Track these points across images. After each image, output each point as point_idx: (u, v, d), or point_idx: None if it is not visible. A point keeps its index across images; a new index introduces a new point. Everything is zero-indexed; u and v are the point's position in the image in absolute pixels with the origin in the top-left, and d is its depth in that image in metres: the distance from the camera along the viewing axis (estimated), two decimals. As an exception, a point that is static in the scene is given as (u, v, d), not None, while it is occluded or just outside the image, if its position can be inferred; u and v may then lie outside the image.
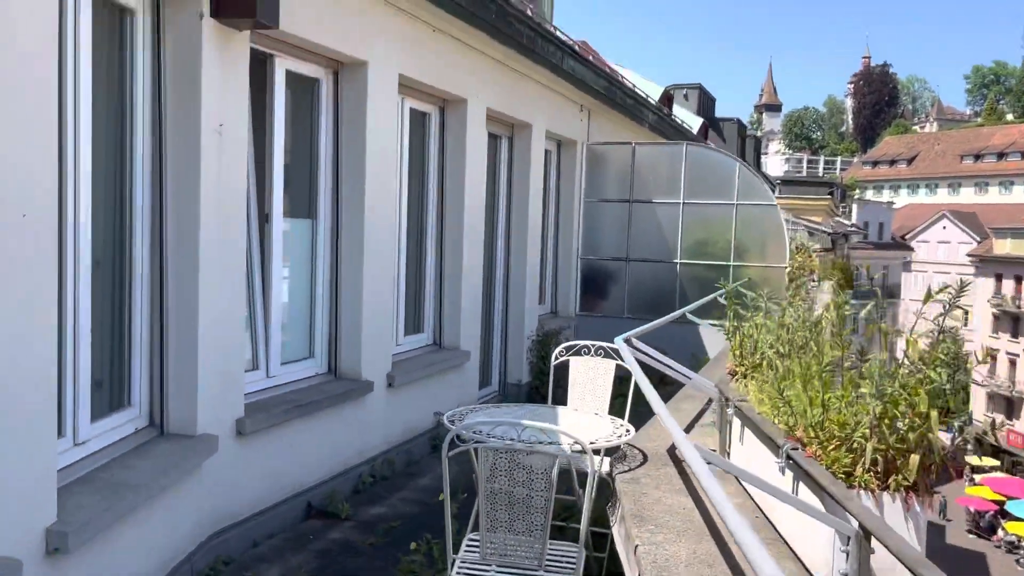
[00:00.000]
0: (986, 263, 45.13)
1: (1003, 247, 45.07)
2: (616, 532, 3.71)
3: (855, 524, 2.27)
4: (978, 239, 51.58)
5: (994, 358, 41.24)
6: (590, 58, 10.43)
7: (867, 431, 2.57)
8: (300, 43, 5.23)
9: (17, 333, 2.90)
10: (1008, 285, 43.66)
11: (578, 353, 5.18)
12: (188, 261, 4.19)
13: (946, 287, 2.73)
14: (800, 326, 3.74)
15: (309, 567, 4.57)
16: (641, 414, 5.05)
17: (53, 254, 3.13)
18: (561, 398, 5.48)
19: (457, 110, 7.26)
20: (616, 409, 5.51)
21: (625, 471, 3.91)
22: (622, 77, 12.90)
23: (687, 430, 4.84)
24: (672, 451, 4.32)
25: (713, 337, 9.36)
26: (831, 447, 2.69)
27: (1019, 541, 26.89)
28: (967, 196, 68.75)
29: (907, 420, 2.58)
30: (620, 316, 10.21)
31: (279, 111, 5.27)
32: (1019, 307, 42.81)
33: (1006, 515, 27.37)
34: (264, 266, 5.24)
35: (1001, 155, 68.01)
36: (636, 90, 12.51)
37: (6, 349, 2.85)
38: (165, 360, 4.21)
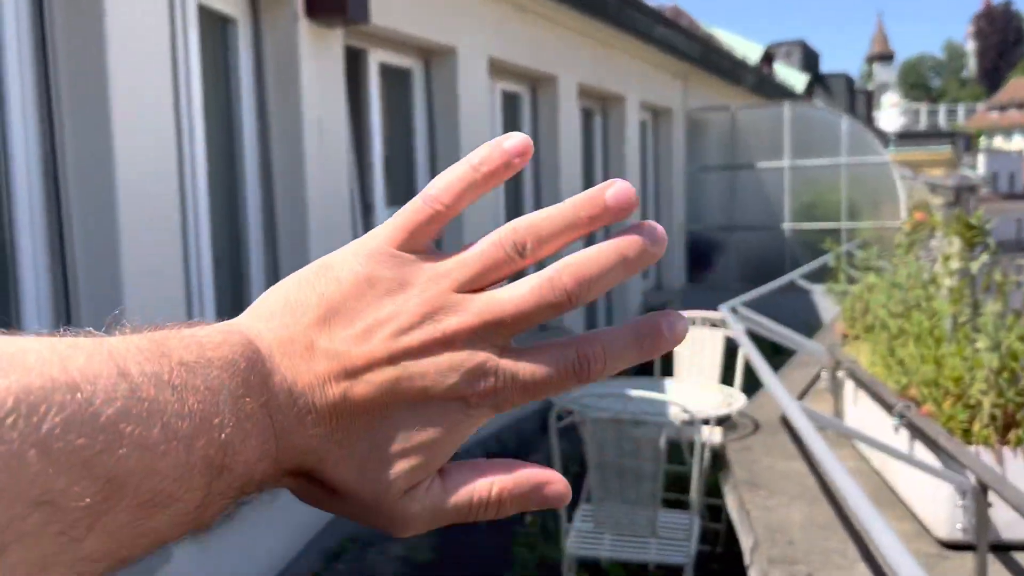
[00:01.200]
0: None
1: None
2: (729, 500, 3.69)
3: (972, 478, 2.20)
4: (1124, 182, 47.52)
5: None
6: (682, 23, 10.22)
7: (984, 386, 2.47)
8: (391, 35, 5.37)
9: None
10: None
11: (683, 324, 5.13)
12: (298, 253, 4.39)
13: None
14: (914, 284, 3.60)
15: (431, 542, 4.75)
16: (754, 384, 4.97)
17: (179, 254, 3.37)
18: (668, 371, 5.46)
19: (548, 88, 7.27)
20: (727, 380, 5.45)
21: (736, 439, 3.88)
22: (717, 40, 12.56)
23: (800, 397, 4.73)
24: (785, 418, 4.25)
25: (827, 304, 9.06)
26: (947, 404, 2.59)
27: None
28: (1109, 136, 63.36)
29: (1028, 372, 2.46)
30: (728, 286, 9.99)
31: (375, 103, 5.43)
32: None
33: None
34: (371, 255, 5.42)
35: None
36: (733, 52, 12.15)
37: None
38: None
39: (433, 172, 5.92)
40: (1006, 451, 2.44)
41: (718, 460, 4.64)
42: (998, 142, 69.83)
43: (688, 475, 4.61)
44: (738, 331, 3.61)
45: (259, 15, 4.32)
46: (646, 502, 3.26)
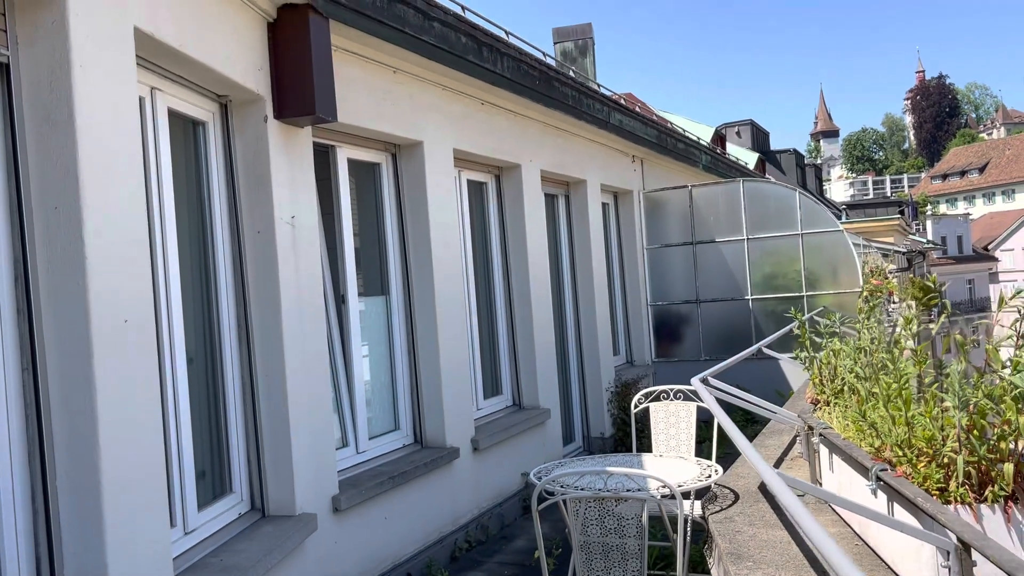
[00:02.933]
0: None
1: (1095, 246, 42.98)
2: (715, 573, 3.68)
3: (953, 538, 2.25)
4: (1066, 241, 49.36)
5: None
6: (636, 109, 10.62)
7: (956, 444, 2.55)
8: (358, 131, 5.52)
9: (127, 431, 3.11)
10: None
11: (657, 399, 5.20)
12: (274, 349, 4.40)
13: (1021, 291, 2.71)
14: (878, 347, 3.71)
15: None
16: (729, 455, 5.02)
17: (153, 354, 3.36)
18: (645, 446, 5.48)
19: (512, 176, 7.48)
20: (703, 452, 5.49)
21: (717, 511, 3.89)
22: (671, 123, 13.03)
23: (776, 464, 4.78)
24: (763, 487, 4.28)
25: (795, 371, 9.20)
26: (920, 464, 2.66)
27: None
28: (1048, 198, 66.08)
29: (996, 429, 2.54)
30: (697, 359, 10.13)
31: (345, 197, 5.55)
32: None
33: None
34: (344, 346, 5.45)
35: (1078, 152, 65.39)
36: (687, 134, 12.61)
37: (119, 446, 3.04)
38: (261, 446, 4.40)
39: (404, 261, 6.01)
40: (984, 508, 2.50)
41: (699, 533, 4.63)
42: (943, 208, 72.34)
43: (670, 550, 4.60)
44: (711, 402, 3.67)
45: (229, 118, 4.44)
46: (634, 581, 3.25)
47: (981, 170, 75.71)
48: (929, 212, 62.17)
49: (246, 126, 4.45)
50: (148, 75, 3.70)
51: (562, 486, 3.29)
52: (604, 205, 9.74)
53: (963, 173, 78.02)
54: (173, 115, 3.97)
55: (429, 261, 6.00)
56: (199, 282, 4.24)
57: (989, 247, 55.77)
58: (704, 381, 4.13)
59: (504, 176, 7.50)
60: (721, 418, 3.27)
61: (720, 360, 7.83)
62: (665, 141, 10.72)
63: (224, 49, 4.01)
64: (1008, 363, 2.63)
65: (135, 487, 3.07)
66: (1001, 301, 2.72)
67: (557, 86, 7.52)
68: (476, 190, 7.26)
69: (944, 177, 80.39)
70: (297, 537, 4.26)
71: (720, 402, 4.50)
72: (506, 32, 6.90)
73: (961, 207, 71.57)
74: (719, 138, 21.75)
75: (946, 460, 2.59)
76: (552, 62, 8.03)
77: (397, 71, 5.70)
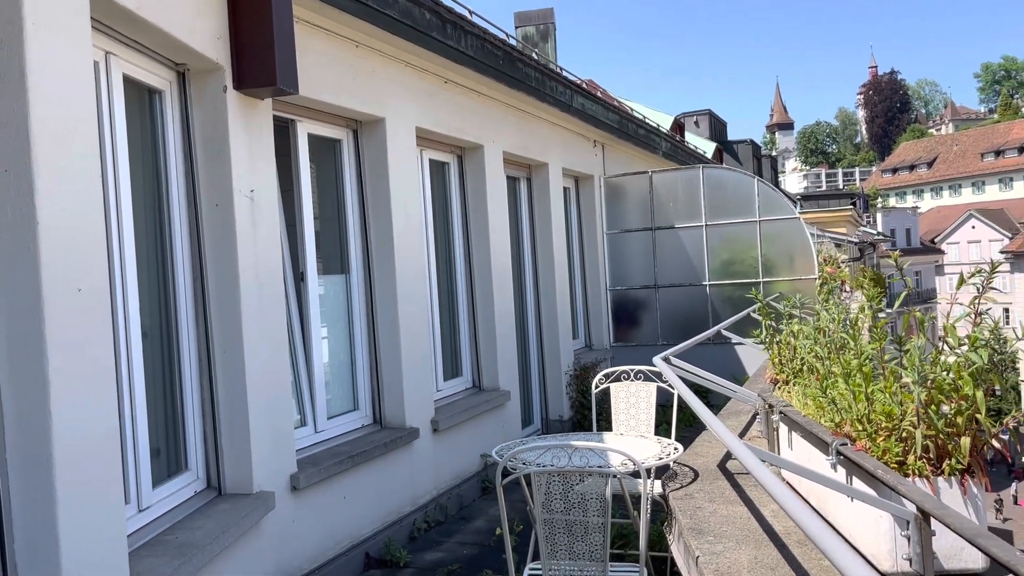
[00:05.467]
0: (1020, 259, 44.44)
1: (1035, 240, 44.38)
2: (675, 549, 3.72)
3: (913, 508, 2.29)
4: (1009, 235, 50.88)
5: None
6: (598, 94, 10.63)
7: (914, 419, 2.59)
8: (320, 106, 5.43)
9: (80, 403, 3.01)
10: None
11: (618, 379, 5.23)
12: (231, 325, 4.31)
13: (979, 270, 2.76)
14: (837, 327, 3.77)
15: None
16: (686, 438, 5.07)
17: (108, 326, 3.26)
18: (605, 427, 5.51)
19: (474, 156, 7.43)
20: (661, 432, 5.53)
21: (677, 488, 3.93)
22: (631, 110, 13.08)
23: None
24: (722, 465, 4.33)
25: (751, 356, 9.34)
26: (880, 438, 2.71)
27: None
28: (992, 193, 68.07)
29: (953, 404, 2.60)
30: (655, 343, 10.21)
31: (305, 173, 5.45)
32: (1060, 299, 41.99)
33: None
34: (304, 324, 5.37)
35: (1022, 149, 67.37)
36: (647, 120, 12.66)
37: (73, 422, 2.95)
38: (218, 423, 4.31)
39: (365, 240, 5.93)
40: (941, 481, 2.55)
41: (657, 512, 4.67)
42: (892, 201, 74.00)
43: (628, 528, 4.63)
44: (673, 379, 3.69)
45: (187, 86, 4.32)
46: (595, 556, 3.26)
47: (930, 165, 77.59)
48: (880, 205, 63.57)
49: (204, 96, 4.33)
50: (103, 39, 3.58)
51: (524, 463, 3.28)
52: (565, 189, 9.75)
53: (912, 167, 79.87)
54: (128, 82, 3.85)
55: (390, 240, 5.93)
56: (155, 255, 4.13)
57: (936, 240, 57.24)
58: (666, 360, 4.16)
59: (467, 156, 7.44)
60: (684, 393, 3.29)
61: (677, 344, 7.81)
62: (626, 127, 10.76)
63: (182, 15, 3.90)
64: (965, 340, 2.68)
65: (88, 461, 2.98)
66: (961, 280, 2.78)
67: (521, 67, 7.48)
68: (438, 170, 7.20)
69: (894, 171, 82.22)
70: (254, 515, 4.20)
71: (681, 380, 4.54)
72: (469, 11, 6.84)
73: (910, 200, 73.25)
74: (678, 127, 21.91)
75: (905, 434, 2.64)
76: (515, 44, 7.99)
77: (360, 45, 5.61)
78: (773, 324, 4.65)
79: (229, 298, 4.31)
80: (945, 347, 2.76)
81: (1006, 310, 44.71)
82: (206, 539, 3.73)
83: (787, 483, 3.83)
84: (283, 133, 5.33)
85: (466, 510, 6.55)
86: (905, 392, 2.68)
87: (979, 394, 2.51)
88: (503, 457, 3.97)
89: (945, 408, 2.60)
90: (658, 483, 4.20)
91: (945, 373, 2.59)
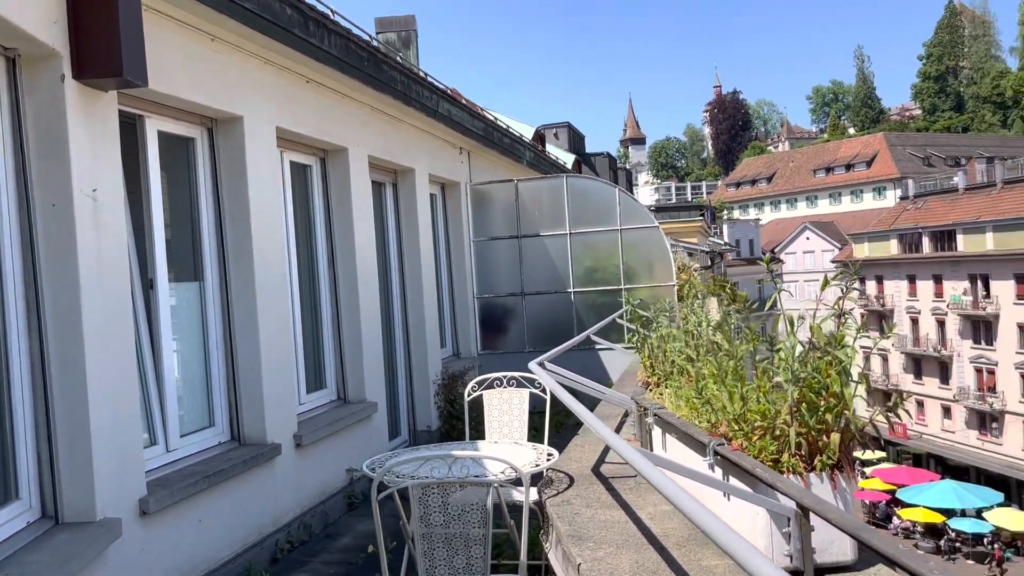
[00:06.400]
0: (849, 267, 48.07)
1: (862, 251, 48.20)
2: (552, 557, 3.67)
3: (793, 504, 2.33)
4: (839, 246, 54.98)
5: (867, 357, 43.70)
6: (463, 102, 10.58)
7: (788, 417, 2.65)
8: (170, 101, 5.07)
9: None
10: (871, 286, 46.65)
11: (491, 386, 5.16)
12: (71, 337, 3.92)
13: (841, 271, 2.87)
14: (706, 331, 3.85)
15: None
16: (556, 443, 5.06)
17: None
18: (476, 435, 5.42)
19: (338, 160, 7.19)
20: (532, 439, 5.50)
21: (554, 495, 3.89)
22: (496, 118, 13.13)
23: (606, 449, 4.87)
24: (596, 469, 4.33)
25: (614, 361, 9.54)
26: (755, 437, 2.76)
27: (914, 526, 28.41)
28: (824, 207, 73.38)
29: (823, 402, 2.68)
30: (522, 350, 10.25)
31: (154, 172, 5.07)
32: (883, 305, 45.77)
33: (898, 503, 28.89)
34: (153, 335, 4.98)
35: (848, 166, 73.11)
36: (511, 129, 12.75)
37: None
38: (55, 445, 3.90)
39: (221, 245, 5.59)
40: (813, 477, 2.62)
41: (533, 517, 4.61)
42: (736, 214, 78.44)
43: (503, 538, 4.55)
44: (551, 383, 3.66)
45: (17, 73, 3.90)
46: (475, 569, 3.16)
47: (769, 180, 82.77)
48: (725, 216, 67.16)
49: (39, 85, 3.93)
50: (-85, 14, 3.16)
51: (398, 476, 3.14)
52: (432, 196, 9.63)
53: (754, 182, 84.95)
54: (-53, 65, 3.43)
55: (249, 246, 5.62)
56: (-21, 260, 3.69)
57: (775, 250, 61.05)
58: (541, 365, 4.13)
59: (330, 160, 7.19)
60: (565, 398, 3.25)
61: (543, 351, 7.81)
62: (492, 135, 10.77)
63: (12, -7, 3.51)
64: (832, 338, 2.77)
65: None
66: (825, 282, 2.88)
67: (386, 69, 7.31)
68: (300, 173, 6.91)
69: (738, 185, 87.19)
70: (98, 545, 3.82)
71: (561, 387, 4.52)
72: (331, 11, 6.60)
73: (752, 213, 77.87)
74: (539, 138, 22.27)
75: (779, 432, 2.69)
76: (380, 47, 7.81)
77: (215, 39, 5.29)
78: (643, 329, 4.72)
79: (68, 308, 3.92)
80: (811, 347, 2.84)
81: (843, 315, 48.08)
82: (42, 574, 3.35)
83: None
84: (130, 130, 4.94)
85: (332, 527, 6.29)
86: (778, 391, 2.74)
87: (848, 391, 2.60)
88: (376, 471, 3.80)
89: (816, 406, 2.67)
90: (533, 490, 4.15)
91: (815, 372, 2.67)
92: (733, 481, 2.77)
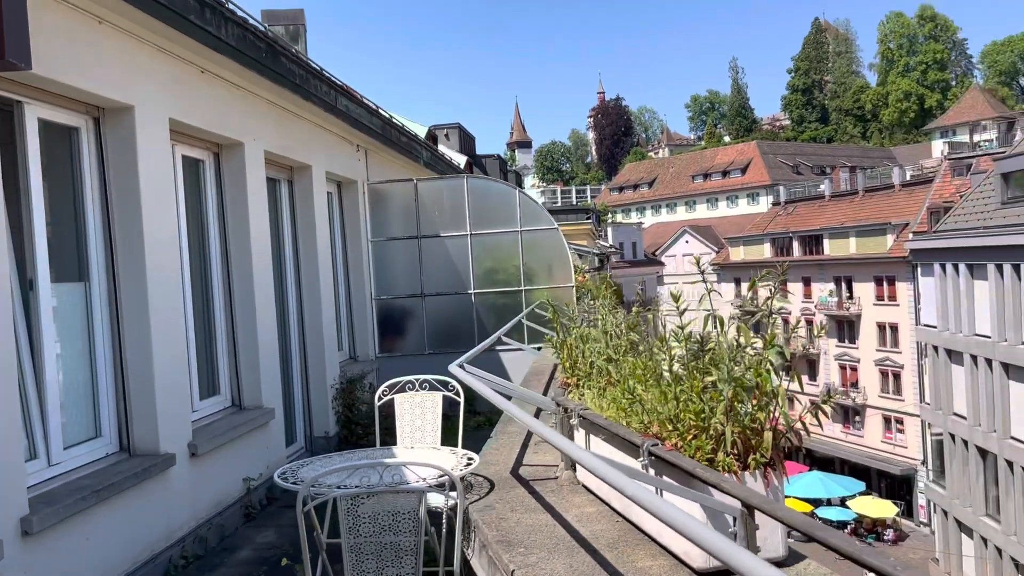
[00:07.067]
0: (726, 270, 50.13)
1: (737, 254, 50.37)
2: (477, 564, 3.59)
3: (736, 504, 2.35)
4: (716, 249, 57.25)
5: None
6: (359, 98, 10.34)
7: (723, 417, 2.68)
8: (53, 87, 4.69)
9: None
10: (746, 288, 48.88)
11: (402, 390, 5.03)
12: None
13: (768, 272, 2.93)
14: (626, 331, 3.87)
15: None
16: (468, 447, 4.98)
17: None
18: (389, 440, 5.28)
19: (234, 155, 6.86)
20: (445, 443, 5.40)
21: (476, 500, 3.81)
22: (391, 116, 12.93)
23: (522, 449, 4.84)
24: (515, 472, 4.29)
25: (515, 362, 9.54)
26: (690, 437, 2.77)
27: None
28: (702, 212, 76.24)
29: (755, 400, 2.72)
30: (421, 353, 10.12)
31: (34, 164, 4.67)
32: (757, 306, 47.93)
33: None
34: (33, 339, 4.59)
35: (725, 173, 76.26)
36: (408, 128, 12.57)
37: None
38: (-77, 462, 3.53)
39: (109, 243, 5.22)
40: (747, 475, 2.66)
41: (452, 522, 4.52)
42: (620, 217, 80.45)
43: (425, 545, 4.44)
44: (474, 383, 3.59)
45: None
46: (402, 579, 3.05)
47: (651, 184, 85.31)
48: (609, 220, 68.70)
49: (-96, 63, 3.54)
50: None
51: (327, 486, 2.99)
52: (329, 194, 9.36)
53: (636, 187, 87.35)
54: None
55: (140, 244, 5.27)
56: None
57: (656, 253, 63.00)
58: (461, 367, 4.05)
59: (224, 154, 6.86)
60: (496, 400, 3.19)
61: (444, 352, 7.71)
62: (389, 133, 10.58)
63: None
64: (759, 338, 2.82)
65: None
66: (753, 282, 2.93)
67: (284, 62, 7.04)
68: (192, 168, 6.55)
69: (620, 189, 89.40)
70: (-24, 572, 3.48)
71: (466, 392, 4.44)
72: (225, -1, 6.29)
73: (635, 217, 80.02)
74: (431, 138, 22.10)
75: (713, 432, 2.72)
76: (278, 39, 7.51)
77: (103, 22, 4.93)
78: (561, 330, 4.71)
79: (-61, 310, 3.55)
80: (739, 346, 2.88)
81: (716, 316, 50.12)
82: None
83: (585, 487, 3.87)
84: (6, 117, 4.54)
85: (228, 540, 5.99)
86: (713, 391, 2.77)
87: (782, 389, 2.65)
88: (288, 480, 3.62)
89: (748, 405, 2.71)
90: (453, 495, 4.06)
91: (747, 371, 2.71)
92: (668, 482, 2.77)
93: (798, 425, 2.68)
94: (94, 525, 4.55)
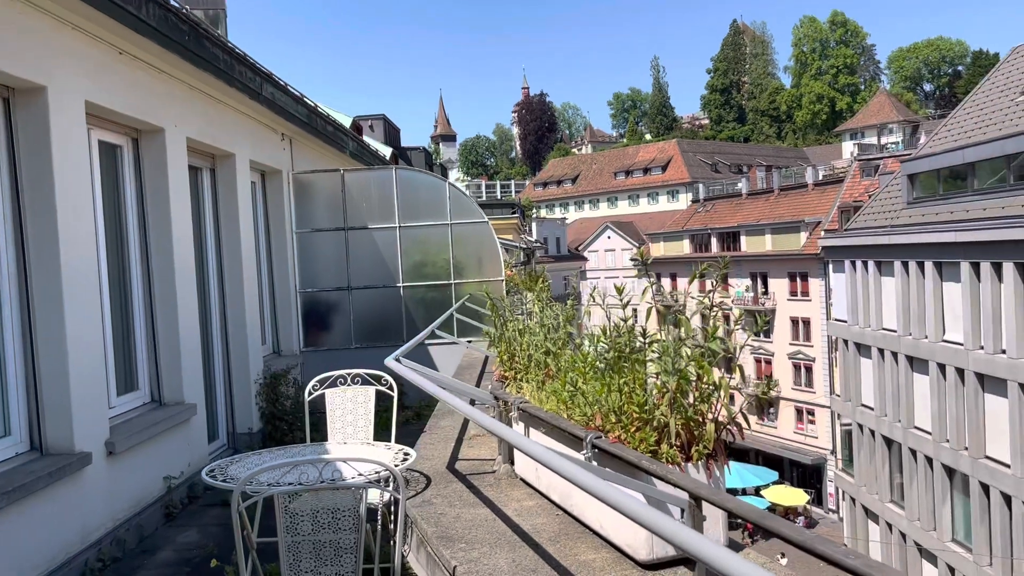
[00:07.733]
0: (646, 265, 51.00)
1: (658, 250, 51.33)
2: (414, 560, 3.54)
3: (683, 495, 2.36)
4: (637, 245, 58.21)
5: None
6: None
7: (667, 408, 2.70)
8: (-41, 64, 4.40)
9: None
10: (666, 282, 49.79)
11: (334, 384, 4.92)
12: None
13: (709, 266, 2.96)
14: (563, 325, 3.87)
15: None
16: (401, 442, 4.91)
17: None
18: (319, 435, 5.16)
19: (154, 141, 6.59)
20: (377, 438, 5.31)
21: (413, 495, 3.76)
22: (316, 105, 12.66)
23: (457, 443, 4.80)
24: (451, 467, 4.25)
25: (444, 356, 9.48)
26: (633, 429, 2.78)
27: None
28: (624, 208, 77.43)
29: (697, 392, 2.75)
30: (348, 347, 9.95)
31: (-62, 146, 4.38)
32: (676, 300, 49.01)
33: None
34: (-64, 333, 4.31)
35: (646, 170, 77.60)
36: (333, 117, 12.33)
37: None
38: None
39: (20, 234, 4.94)
40: (690, 467, 2.68)
41: (387, 522, 4.46)
42: (544, 212, 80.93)
43: (367, 543, 4.36)
44: (415, 378, 3.53)
45: None
46: (340, 578, 2.97)
47: (574, 180, 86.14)
48: (534, 215, 69.05)
49: None
50: None
51: (263, 484, 2.89)
52: (252, 184, 9.09)
53: (560, 182, 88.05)
54: None
55: (54, 233, 5.01)
56: None
57: (580, 248, 63.65)
58: (398, 360, 3.98)
59: (144, 140, 6.58)
60: (439, 393, 3.14)
61: (371, 346, 7.54)
62: (315, 122, 10.34)
63: None
64: (699, 331, 2.85)
65: None
66: (693, 276, 2.96)
67: (208, 46, 6.79)
68: (109, 153, 6.26)
69: (544, 185, 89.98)
70: None
71: (400, 385, 4.38)
72: (146, -22, 6.03)
73: (559, 212, 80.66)
74: (356, 128, 21.76)
75: (657, 424, 2.73)
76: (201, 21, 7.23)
77: (15, -3, 4.65)
78: (500, 324, 4.68)
79: None
80: (681, 339, 2.91)
81: (635, 309, 51.04)
82: None
83: (524, 480, 3.86)
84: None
85: (148, 541, 5.76)
86: (656, 383, 2.78)
87: (725, 382, 2.68)
88: (218, 477, 3.50)
89: (690, 397, 2.74)
90: (390, 491, 3.99)
91: (690, 363, 2.73)
92: (612, 474, 2.78)
93: (739, 417, 2.72)
94: (4, 528, 4.30)
